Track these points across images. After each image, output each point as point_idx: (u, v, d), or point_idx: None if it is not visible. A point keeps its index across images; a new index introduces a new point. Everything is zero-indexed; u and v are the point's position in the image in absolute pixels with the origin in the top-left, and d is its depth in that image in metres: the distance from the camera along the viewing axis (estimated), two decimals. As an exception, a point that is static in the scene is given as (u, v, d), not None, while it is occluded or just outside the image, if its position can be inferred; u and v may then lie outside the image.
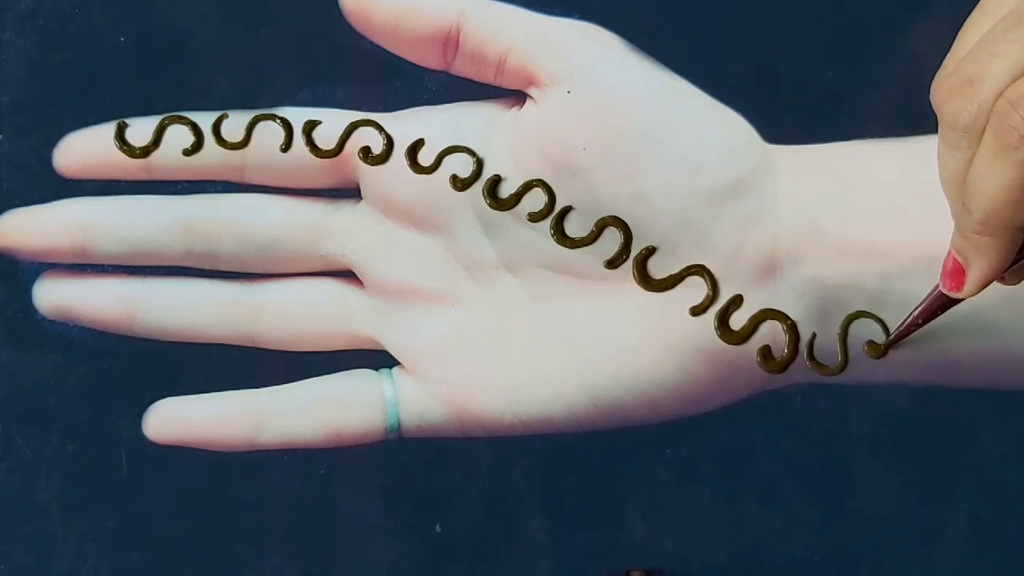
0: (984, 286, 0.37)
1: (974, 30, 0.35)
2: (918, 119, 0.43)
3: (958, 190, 0.35)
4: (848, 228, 0.42)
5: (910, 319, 0.41)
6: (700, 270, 0.43)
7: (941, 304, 0.40)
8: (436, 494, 0.44)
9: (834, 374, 0.43)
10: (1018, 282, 0.38)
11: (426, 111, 0.45)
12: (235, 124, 0.45)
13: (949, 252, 0.37)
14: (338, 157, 0.45)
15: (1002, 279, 0.37)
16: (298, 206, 0.46)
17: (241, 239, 0.45)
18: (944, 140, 0.35)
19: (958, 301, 0.39)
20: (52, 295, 0.45)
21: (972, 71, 0.34)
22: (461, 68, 0.45)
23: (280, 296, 0.45)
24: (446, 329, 0.44)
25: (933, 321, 0.41)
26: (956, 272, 0.37)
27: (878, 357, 0.43)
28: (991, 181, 0.33)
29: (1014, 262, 0.36)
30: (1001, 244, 0.35)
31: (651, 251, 0.43)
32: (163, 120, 0.46)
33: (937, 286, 0.39)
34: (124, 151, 0.45)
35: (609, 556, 0.44)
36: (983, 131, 0.33)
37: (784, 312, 0.43)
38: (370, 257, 0.45)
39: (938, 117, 0.35)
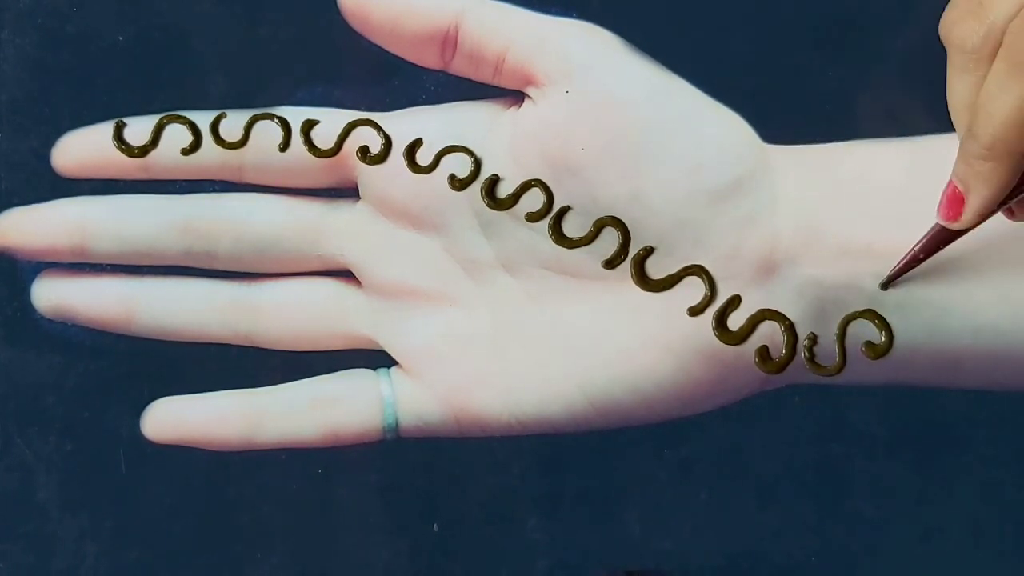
0: (983, 217, 0.37)
1: None
2: (918, 119, 0.43)
3: (965, 116, 0.35)
4: (847, 228, 0.42)
5: (911, 254, 0.41)
6: (698, 270, 0.43)
7: (942, 238, 0.40)
8: (434, 494, 0.44)
9: (832, 374, 0.43)
10: None
11: (424, 111, 0.45)
12: (233, 123, 0.45)
13: (949, 182, 0.37)
14: (336, 157, 0.45)
15: (1011, 213, 0.37)
16: (296, 206, 0.45)
17: (239, 239, 0.45)
18: (953, 65, 0.35)
19: (959, 234, 0.39)
20: (51, 294, 0.45)
21: None
22: (459, 68, 0.45)
23: (278, 296, 0.45)
24: (444, 329, 0.44)
25: (931, 321, 0.41)
26: (954, 200, 0.37)
27: (876, 358, 0.42)
28: (1001, 102, 0.34)
29: (1014, 195, 0.36)
30: (1004, 170, 0.35)
31: (649, 251, 0.43)
32: (161, 119, 0.46)
33: (937, 223, 0.39)
34: (122, 150, 0.45)
35: (607, 556, 0.44)
36: (993, 53, 0.34)
37: (782, 312, 0.43)
38: (368, 257, 0.45)
39: (946, 44, 0.35)
